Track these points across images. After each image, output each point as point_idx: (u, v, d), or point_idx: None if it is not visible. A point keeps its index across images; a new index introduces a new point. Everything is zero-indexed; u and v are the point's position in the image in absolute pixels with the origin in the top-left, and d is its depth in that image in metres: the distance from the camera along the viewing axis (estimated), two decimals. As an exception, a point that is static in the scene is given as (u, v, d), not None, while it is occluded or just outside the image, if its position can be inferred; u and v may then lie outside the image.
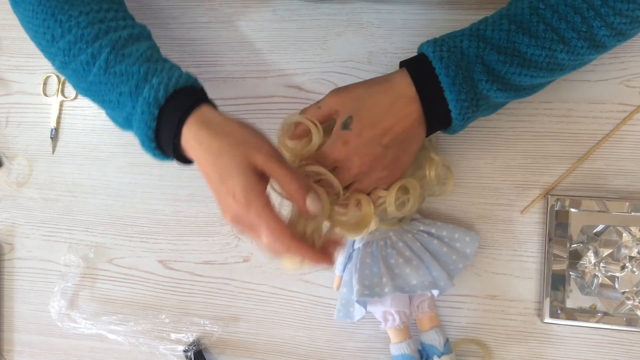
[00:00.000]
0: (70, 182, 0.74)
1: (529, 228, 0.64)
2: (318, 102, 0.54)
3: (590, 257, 0.62)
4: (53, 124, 0.74)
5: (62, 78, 0.74)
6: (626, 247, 0.61)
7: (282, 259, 0.49)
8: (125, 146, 0.73)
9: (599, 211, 0.61)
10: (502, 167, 0.65)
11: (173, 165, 0.52)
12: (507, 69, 0.49)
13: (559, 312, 0.61)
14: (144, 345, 0.71)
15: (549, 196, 0.62)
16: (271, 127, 0.68)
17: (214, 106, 0.51)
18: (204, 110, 0.49)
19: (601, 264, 0.61)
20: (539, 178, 0.64)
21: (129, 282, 0.73)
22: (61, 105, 0.74)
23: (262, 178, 0.47)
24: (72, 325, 0.73)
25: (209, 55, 0.70)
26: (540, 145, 0.64)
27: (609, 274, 0.61)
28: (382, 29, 0.66)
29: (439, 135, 0.60)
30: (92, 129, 0.74)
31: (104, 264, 0.73)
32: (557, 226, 0.62)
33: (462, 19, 0.64)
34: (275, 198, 0.48)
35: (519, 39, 0.49)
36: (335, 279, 0.66)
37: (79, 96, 0.74)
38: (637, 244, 0.61)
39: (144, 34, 0.55)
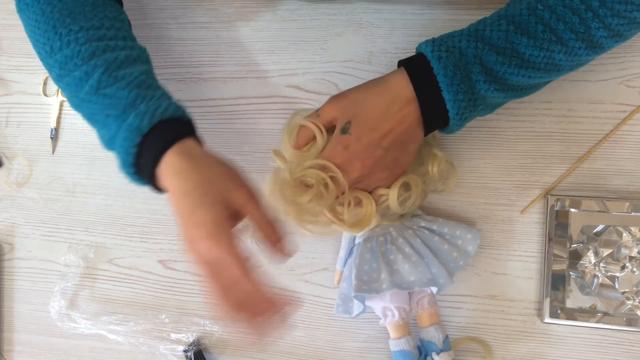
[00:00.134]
0: (70, 182, 0.74)
1: (529, 228, 0.64)
2: (317, 110, 0.55)
3: (590, 257, 0.62)
4: (53, 124, 0.74)
5: (62, 78, 0.74)
6: (626, 247, 0.61)
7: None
8: (125, 146, 0.73)
9: (599, 211, 0.61)
10: (502, 167, 0.65)
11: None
12: (505, 70, 0.49)
13: (559, 312, 0.61)
14: (144, 345, 0.71)
15: (549, 196, 0.62)
16: (271, 127, 0.69)
17: (199, 141, 0.51)
18: (187, 143, 0.49)
19: (601, 264, 0.61)
20: (539, 178, 0.64)
21: (129, 282, 0.73)
22: (61, 105, 0.74)
23: (233, 217, 0.48)
24: (72, 325, 0.73)
25: (209, 55, 0.70)
26: (540, 145, 0.64)
27: (609, 274, 0.61)
28: (382, 29, 0.66)
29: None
30: (91, 129, 0.74)
31: (104, 264, 0.73)
32: (557, 226, 0.62)
33: (462, 19, 0.64)
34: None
35: (517, 40, 0.49)
36: (336, 273, 0.66)
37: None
38: (637, 244, 0.61)
39: (141, 58, 0.55)
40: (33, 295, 0.75)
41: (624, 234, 0.61)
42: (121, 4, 0.61)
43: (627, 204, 0.61)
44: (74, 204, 0.74)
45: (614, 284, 0.61)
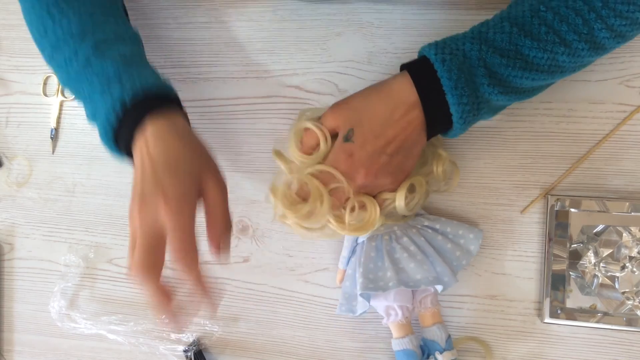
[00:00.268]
0: (70, 182, 0.74)
1: (529, 228, 0.64)
2: (319, 118, 0.55)
3: (590, 257, 0.62)
4: (53, 124, 0.74)
5: (62, 78, 0.74)
6: (626, 247, 0.61)
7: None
8: (125, 146, 0.73)
9: (599, 211, 0.61)
10: (502, 167, 0.65)
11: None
12: (510, 72, 0.49)
13: (559, 312, 0.61)
14: (144, 345, 0.71)
15: (549, 196, 0.62)
16: (271, 127, 0.69)
17: (185, 118, 0.52)
18: (173, 116, 0.50)
19: (601, 264, 0.61)
20: (539, 178, 0.64)
21: (129, 282, 0.72)
22: (61, 105, 0.74)
23: (199, 198, 0.48)
24: (72, 325, 0.73)
25: (209, 55, 0.70)
26: (540, 145, 0.64)
27: (609, 274, 0.61)
28: (382, 29, 0.66)
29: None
30: (92, 128, 0.74)
31: (104, 264, 0.73)
32: (557, 226, 0.62)
33: (462, 19, 0.64)
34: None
35: (521, 42, 0.48)
36: (339, 272, 0.66)
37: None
38: (637, 244, 0.61)
39: (132, 38, 0.56)
40: (33, 295, 0.75)
41: (624, 234, 0.61)
42: None
43: (627, 204, 0.61)
44: (74, 204, 0.74)
45: (614, 284, 0.61)
